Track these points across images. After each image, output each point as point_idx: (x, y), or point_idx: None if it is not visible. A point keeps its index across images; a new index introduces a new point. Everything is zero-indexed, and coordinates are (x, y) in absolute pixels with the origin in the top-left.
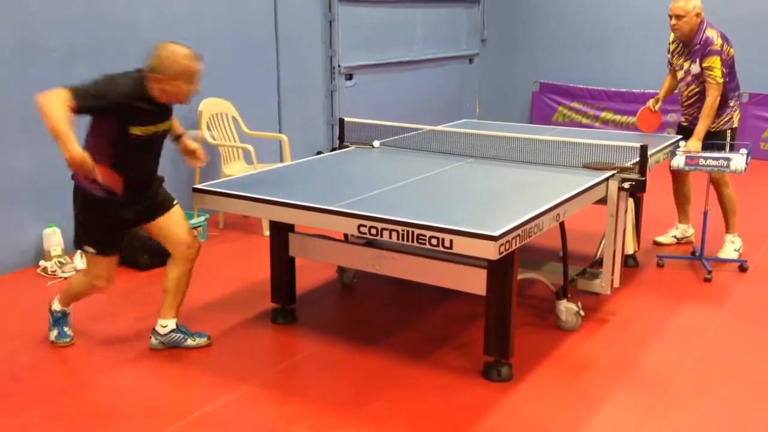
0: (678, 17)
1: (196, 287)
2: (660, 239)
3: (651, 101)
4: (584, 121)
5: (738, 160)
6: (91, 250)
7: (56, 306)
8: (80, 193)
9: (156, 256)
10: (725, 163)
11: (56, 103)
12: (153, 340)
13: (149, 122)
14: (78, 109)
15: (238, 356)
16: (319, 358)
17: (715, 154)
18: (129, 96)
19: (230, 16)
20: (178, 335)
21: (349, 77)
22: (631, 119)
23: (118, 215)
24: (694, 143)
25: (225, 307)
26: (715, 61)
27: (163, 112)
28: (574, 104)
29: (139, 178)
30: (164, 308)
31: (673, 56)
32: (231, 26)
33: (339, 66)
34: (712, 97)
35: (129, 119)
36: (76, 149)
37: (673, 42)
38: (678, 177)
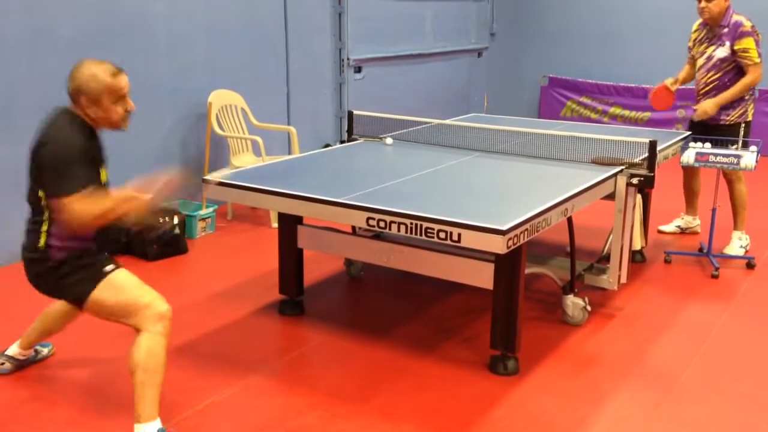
0: (707, 0)
1: (205, 278)
2: (663, 228)
3: (669, 80)
4: (593, 116)
5: (748, 158)
6: (111, 266)
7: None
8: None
9: (165, 246)
10: (735, 161)
11: (90, 207)
12: None
13: (102, 160)
14: (81, 188)
15: (246, 347)
16: (327, 349)
17: (726, 151)
18: (84, 144)
19: (240, 7)
20: None
21: (358, 70)
22: (639, 114)
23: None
24: (711, 104)
25: (233, 298)
26: (749, 42)
27: (101, 145)
28: (583, 99)
29: (108, 231)
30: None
31: (695, 44)
32: (241, 18)
33: (348, 59)
34: (753, 76)
35: (96, 163)
36: (144, 199)
37: (696, 30)
38: (688, 171)
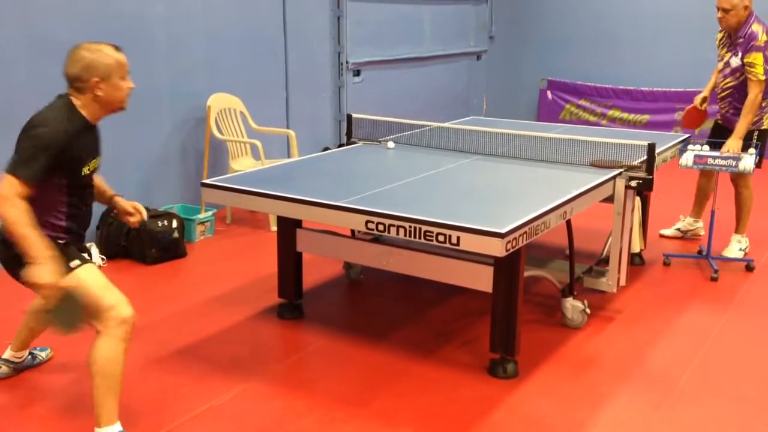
0: (725, 11)
1: (204, 282)
2: (664, 232)
3: (698, 99)
4: (592, 118)
5: (747, 160)
6: (77, 261)
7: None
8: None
9: (164, 250)
10: (734, 163)
11: (13, 207)
12: None
13: (93, 155)
14: (31, 180)
15: (245, 351)
16: (326, 352)
17: (724, 154)
18: (69, 132)
19: (239, 11)
20: None
21: (357, 73)
22: (638, 117)
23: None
24: (735, 142)
25: (232, 301)
26: (756, 58)
27: (97, 138)
28: (582, 102)
29: (85, 220)
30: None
31: (719, 46)
32: (240, 21)
33: (347, 62)
34: (753, 94)
35: (77, 161)
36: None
37: (721, 31)
38: (704, 173)
